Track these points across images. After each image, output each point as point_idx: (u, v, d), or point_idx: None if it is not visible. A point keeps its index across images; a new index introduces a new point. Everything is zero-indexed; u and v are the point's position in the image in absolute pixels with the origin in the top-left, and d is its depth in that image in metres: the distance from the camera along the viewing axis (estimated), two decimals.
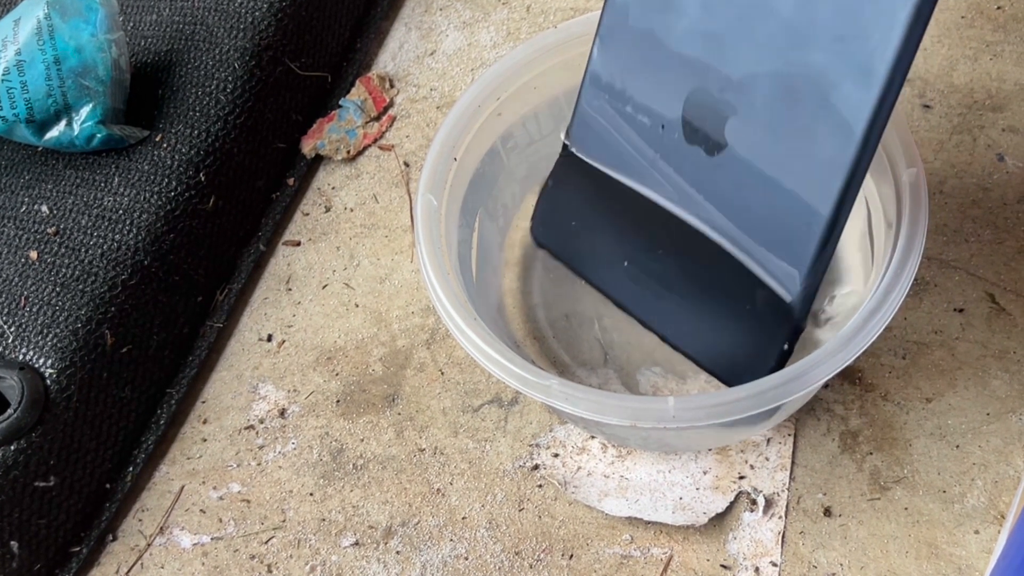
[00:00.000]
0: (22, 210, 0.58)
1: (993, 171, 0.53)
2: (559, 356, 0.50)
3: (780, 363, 0.43)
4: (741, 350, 0.44)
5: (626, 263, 0.47)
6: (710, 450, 0.49)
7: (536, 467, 0.50)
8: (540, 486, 0.50)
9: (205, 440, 0.55)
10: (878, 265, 0.44)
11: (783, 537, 0.46)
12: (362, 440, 0.53)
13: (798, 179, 0.40)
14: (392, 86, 0.65)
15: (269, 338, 0.58)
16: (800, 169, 0.39)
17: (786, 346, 0.42)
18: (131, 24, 0.63)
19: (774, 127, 0.40)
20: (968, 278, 0.51)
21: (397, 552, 0.50)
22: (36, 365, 0.52)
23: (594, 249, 0.49)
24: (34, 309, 0.54)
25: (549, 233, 0.51)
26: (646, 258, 0.46)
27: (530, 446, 0.51)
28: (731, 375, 0.45)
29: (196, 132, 0.58)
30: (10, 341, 0.53)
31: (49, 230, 0.56)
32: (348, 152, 0.63)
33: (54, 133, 0.57)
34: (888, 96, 0.37)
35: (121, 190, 0.57)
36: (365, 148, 0.63)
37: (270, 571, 0.50)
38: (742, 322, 0.43)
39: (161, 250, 0.56)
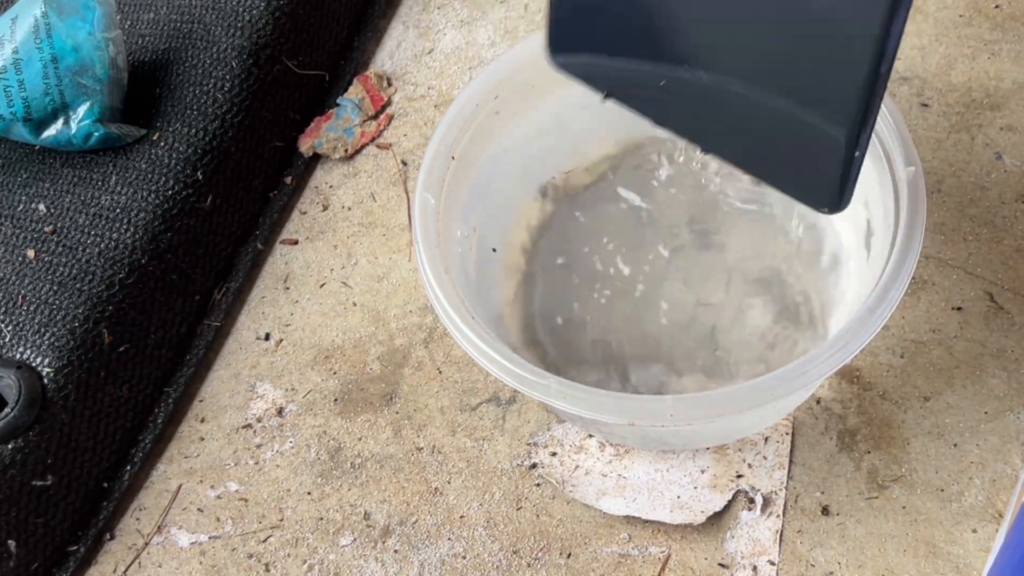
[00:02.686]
0: (19, 208, 0.58)
1: (991, 170, 0.53)
2: (558, 358, 0.50)
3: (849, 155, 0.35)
4: (805, 149, 0.37)
5: (663, 81, 0.39)
6: (708, 449, 0.49)
7: (534, 466, 0.50)
8: (538, 485, 0.50)
9: (203, 439, 0.55)
10: (876, 264, 0.44)
11: (781, 536, 0.46)
12: (360, 439, 0.53)
13: None
14: (390, 85, 0.65)
15: (267, 337, 0.58)
16: None
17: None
18: (129, 23, 0.63)
19: None
20: (966, 277, 0.51)
21: (395, 551, 0.50)
22: (33, 364, 0.52)
23: (625, 66, 0.40)
24: (31, 308, 0.54)
25: (568, 53, 0.42)
26: (685, 69, 0.38)
27: (528, 445, 0.51)
28: (793, 183, 0.38)
29: (194, 131, 0.58)
30: (7, 340, 0.53)
31: (46, 229, 0.56)
32: (346, 151, 0.63)
33: (51, 132, 0.57)
34: None
35: (119, 189, 0.57)
36: (363, 147, 0.63)
37: (268, 570, 0.50)
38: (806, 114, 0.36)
39: (159, 249, 0.56)
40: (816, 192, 0.37)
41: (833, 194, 0.36)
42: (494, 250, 0.52)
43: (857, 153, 0.35)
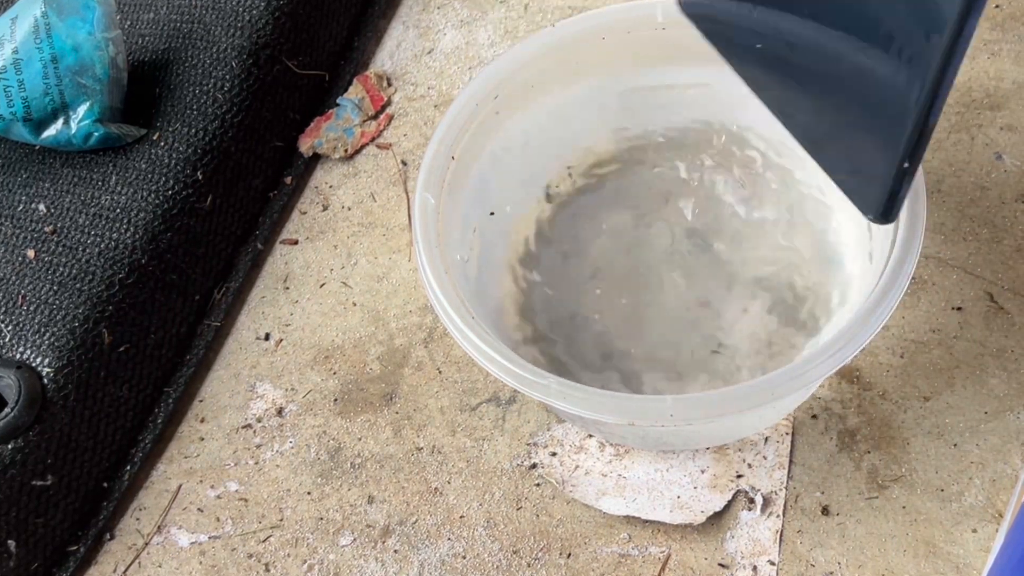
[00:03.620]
0: (19, 208, 0.58)
1: (991, 170, 0.53)
2: (559, 358, 0.50)
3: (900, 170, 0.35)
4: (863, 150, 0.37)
5: (759, 44, 0.40)
6: (708, 449, 0.49)
7: (534, 466, 0.50)
8: (538, 485, 0.50)
9: (203, 439, 0.55)
10: (876, 264, 0.44)
11: (781, 536, 0.46)
12: (360, 439, 0.53)
13: None
14: (390, 84, 0.65)
15: (267, 337, 0.58)
16: None
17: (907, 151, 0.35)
18: (128, 22, 0.63)
19: None
20: (966, 277, 0.51)
21: (395, 551, 0.50)
22: (33, 364, 0.52)
23: (732, 20, 0.41)
24: (31, 308, 0.53)
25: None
26: (781, 35, 0.39)
27: (528, 445, 0.51)
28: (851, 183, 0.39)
29: (194, 131, 0.58)
30: (7, 340, 0.53)
31: (46, 229, 0.56)
32: (346, 151, 0.63)
33: (51, 132, 0.57)
34: None
35: (119, 189, 0.57)
36: (363, 147, 0.63)
37: (268, 570, 0.50)
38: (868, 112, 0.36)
39: (159, 249, 0.56)
40: (867, 197, 0.37)
41: (881, 202, 0.36)
42: (496, 251, 0.52)
43: (907, 164, 0.35)
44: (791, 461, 0.48)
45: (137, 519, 0.54)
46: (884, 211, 0.37)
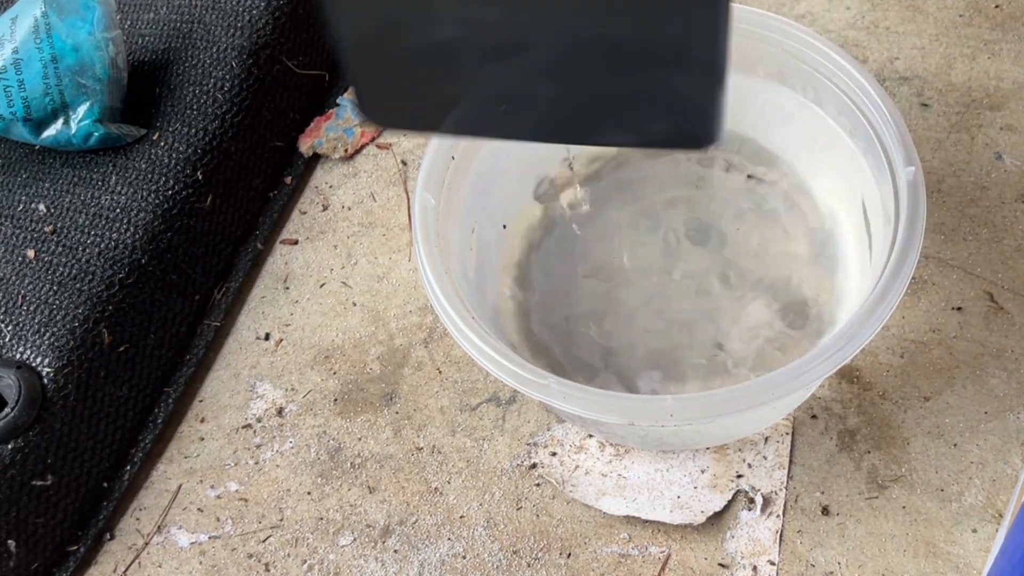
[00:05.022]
0: (19, 209, 0.58)
1: (991, 169, 0.53)
2: (558, 358, 0.50)
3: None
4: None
5: (503, 106, 0.36)
6: (708, 449, 0.49)
7: (534, 466, 0.50)
8: (538, 485, 0.50)
9: (203, 439, 0.55)
10: (876, 264, 0.44)
11: (781, 536, 0.46)
12: (360, 439, 0.53)
13: None
14: None
15: (267, 337, 0.58)
16: None
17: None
18: (128, 22, 0.63)
19: None
20: (966, 277, 0.51)
21: (395, 551, 0.50)
22: (33, 364, 0.52)
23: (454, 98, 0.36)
24: (31, 308, 0.54)
25: (389, 105, 0.37)
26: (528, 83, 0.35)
27: (528, 445, 0.51)
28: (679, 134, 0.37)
29: (194, 131, 0.58)
30: (7, 340, 0.53)
31: (46, 229, 0.56)
32: (346, 150, 0.63)
33: (51, 132, 0.57)
34: None
35: (119, 189, 0.57)
36: (363, 147, 0.63)
37: (267, 570, 0.50)
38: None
39: (159, 249, 0.56)
40: (694, 133, 0.36)
41: (714, 128, 0.35)
42: (495, 251, 0.52)
43: (722, 85, 0.34)
44: (791, 461, 0.48)
45: (137, 519, 0.54)
46: (716, 130, 0.35)
